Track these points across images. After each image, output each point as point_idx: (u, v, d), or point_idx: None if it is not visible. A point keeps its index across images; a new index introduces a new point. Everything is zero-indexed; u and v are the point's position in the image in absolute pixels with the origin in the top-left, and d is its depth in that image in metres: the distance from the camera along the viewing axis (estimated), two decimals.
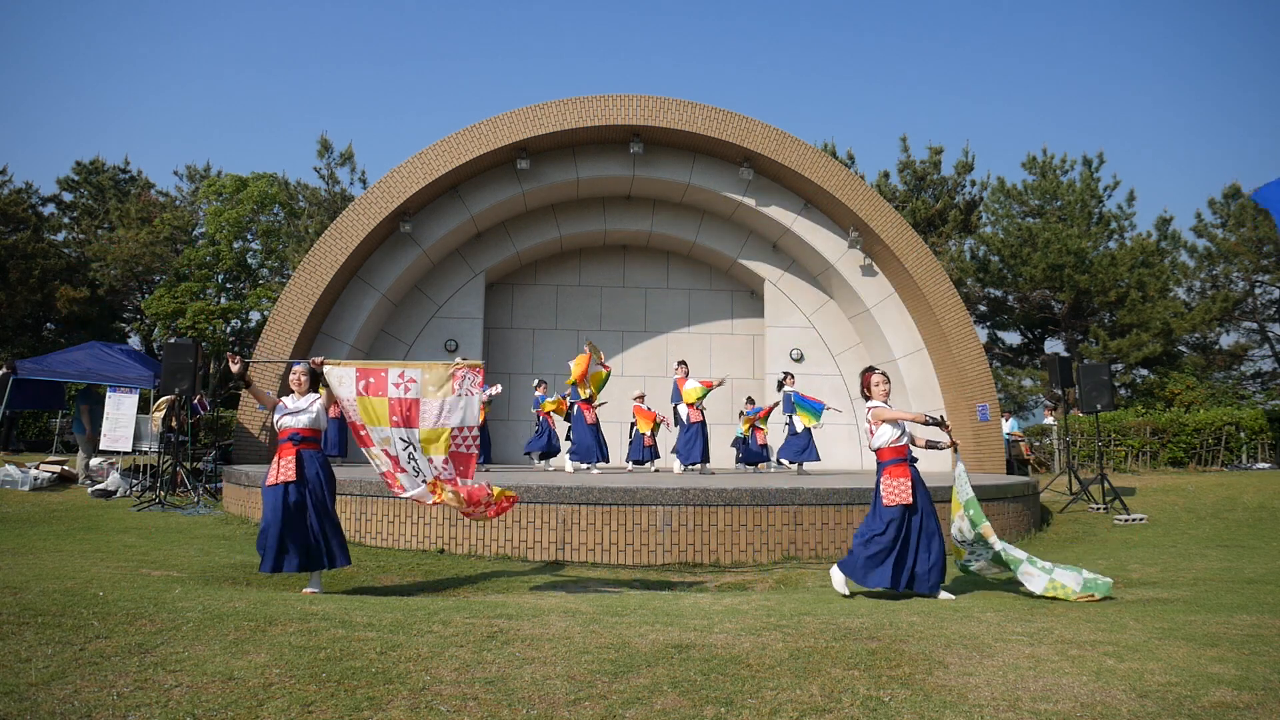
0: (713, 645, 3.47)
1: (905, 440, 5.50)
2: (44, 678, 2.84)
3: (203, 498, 10.21)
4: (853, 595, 5.35)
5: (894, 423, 5.46)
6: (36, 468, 11.11)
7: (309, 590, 5.24)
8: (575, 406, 11.10)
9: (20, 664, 2.97)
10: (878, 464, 5.53)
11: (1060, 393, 13.06)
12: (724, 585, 6.29)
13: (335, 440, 11.42)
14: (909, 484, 5.34)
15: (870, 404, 5.55)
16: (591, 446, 10.87)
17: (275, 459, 5.42)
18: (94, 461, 11.60)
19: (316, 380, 5.66)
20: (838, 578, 5.43)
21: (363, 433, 5.30)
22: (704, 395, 11.36)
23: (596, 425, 11.06)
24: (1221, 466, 13.64)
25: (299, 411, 5.51)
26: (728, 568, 7.06)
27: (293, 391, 5.65)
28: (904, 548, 5.26)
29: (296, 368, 5.64)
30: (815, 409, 11.60)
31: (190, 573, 5.76)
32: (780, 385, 12.10)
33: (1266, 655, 3.38)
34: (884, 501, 5.37)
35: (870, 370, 5.67)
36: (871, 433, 5.55)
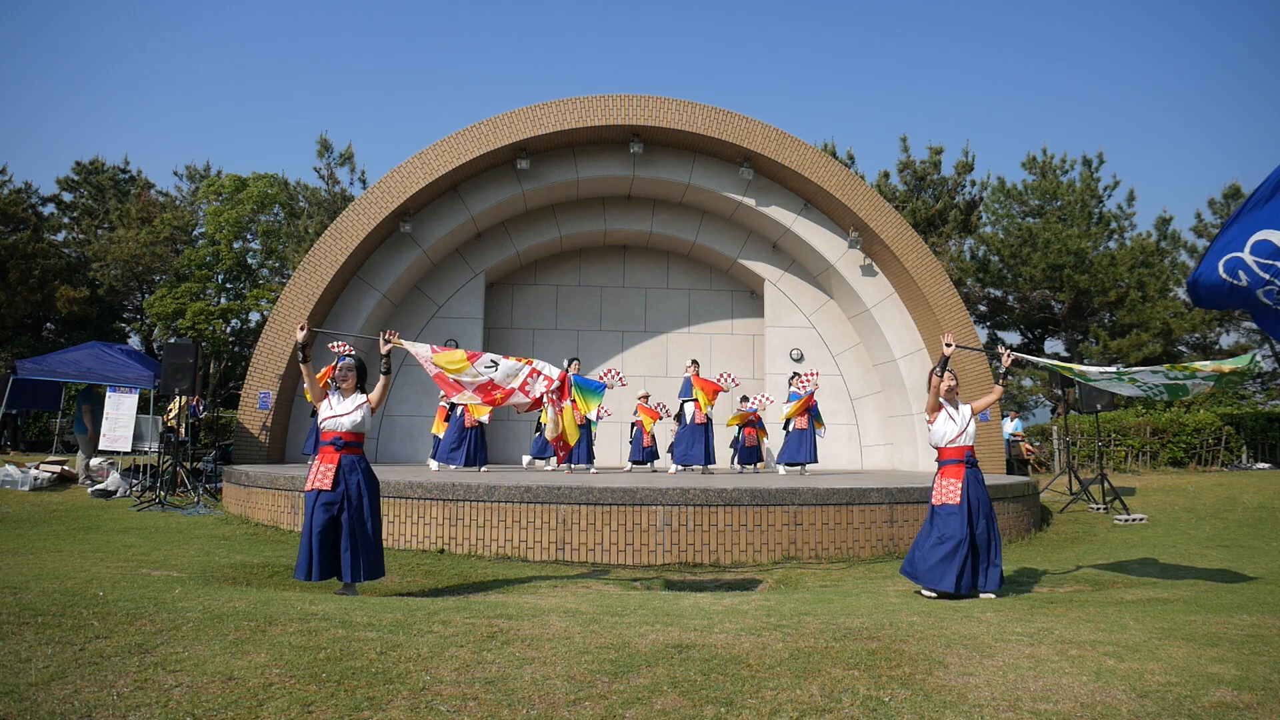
0: (713, 645, 3.47)
1: (962, 440, 5.45)
2: (44, 678, 2.84)
3: (203, 498, 10.21)
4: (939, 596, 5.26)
5: (942, 412, 5.45)
6: (36, 468, 11.11)
7: (339, 593, 5.13)
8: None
9: (20, 664, 2.96)
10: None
11: (1060, 393, 13.06)
12: (724, 585, 6.29)
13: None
14: (959, 486, 5.34)
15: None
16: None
17: (316, 462, 5.26)
18: (94, 461, 11.59)
19: (364, 378, 5.44)
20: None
21: (450, 379, 5.67)
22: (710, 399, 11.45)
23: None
24: (1221, 466, 13.64)
25: (343, 414, 5.27)
26: (728, 568, 7.06)
27: (339, 388, 5.38)
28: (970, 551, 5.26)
29: (343, 363, 5.39)
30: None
31: (190, 573, 5.76)
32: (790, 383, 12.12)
33: (1266, 655, 3.38)
34: (934, 500, 5.39)
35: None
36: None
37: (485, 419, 10.73)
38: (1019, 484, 9.51)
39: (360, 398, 5.34)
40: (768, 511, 7.35)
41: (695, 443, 11.37)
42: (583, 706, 2.75)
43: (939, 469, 5.51)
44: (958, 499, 5.32)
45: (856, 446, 14.33)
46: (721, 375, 12.07)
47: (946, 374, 5.51)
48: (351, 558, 5.15)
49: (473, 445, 10.70)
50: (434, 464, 10.84)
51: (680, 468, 11.51)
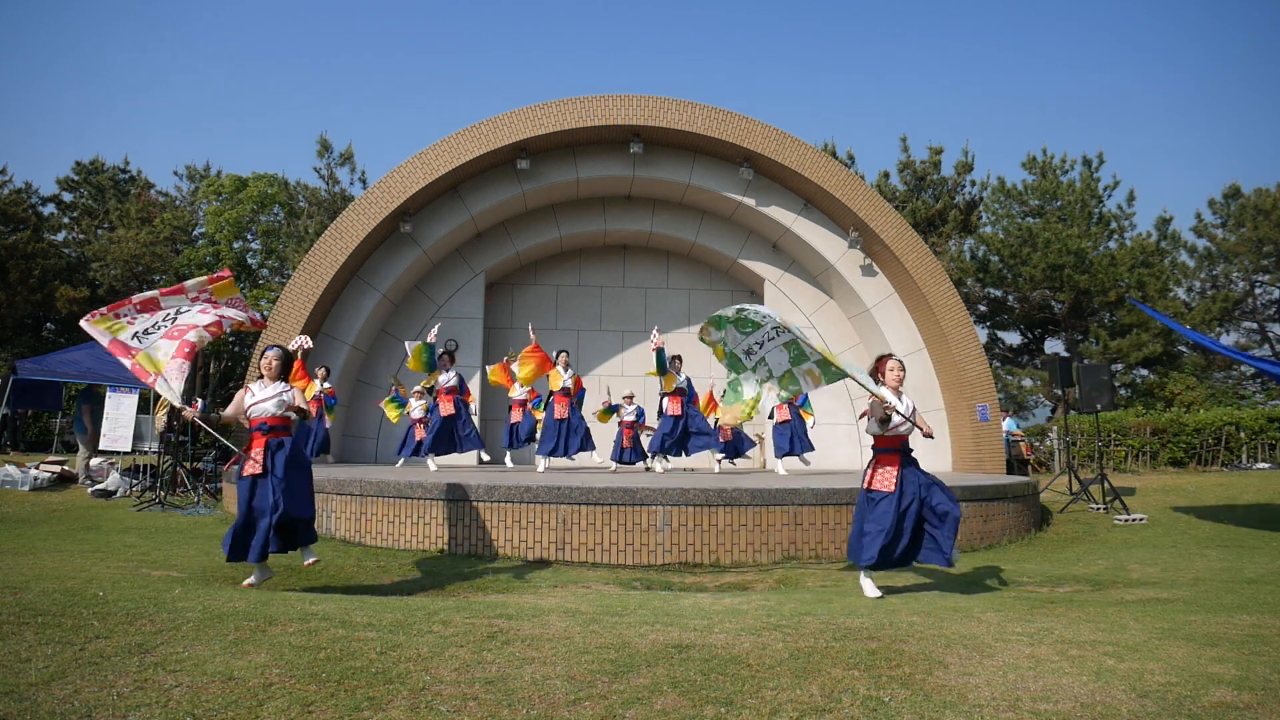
0: (713, 645, 3.47)
1: (902, 430, 5.49)
2: (44, 678, 2.84)
3: (203, 498, 10.21)
4: (883, 596, 5.32)
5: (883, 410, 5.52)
6: (36, 467, 11.11)
7: (248, 583, 5.29)
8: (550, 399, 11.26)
9: (20, 664, 2.96)
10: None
11: (1060, 393, 13.06)
12: (724, 585, 6.29)
13: (322, 439, 11.41)
14: (894, 474, 5.44)
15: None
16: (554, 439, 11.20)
17: (247, 450, 5.38)
18: (94, 461, 11.60)
19: (288, 367, 5.56)
20: (865, 583, 5.42)
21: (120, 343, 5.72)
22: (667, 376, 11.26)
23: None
24: (1221, 466, 13.64)
25: (266, 399, 5.40)
26: (728, 568, 7.05)
27: (262, 376, 5.51)
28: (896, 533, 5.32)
29: (269, 352, 5.49)
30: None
31: (190, 573, 5.76)
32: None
33: (1266, 655, 3.38)
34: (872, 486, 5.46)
35: (885, 357, 5.70)
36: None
37: (412, 413, 10.98)
38: (1019, 484, 9.50)
39: (283, 385, 5.47)
40: (768, 511, 7.35)
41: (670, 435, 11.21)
42: (583, 706, 2.75)
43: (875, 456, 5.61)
44: (892, 487, 5.40)
45: (856, 446, 14.33)
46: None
47: (895, 363, 5.74)
48: (293, 525, 5.29)
49: (433, 435, 10.83)
50: (431, 464, 10.87)
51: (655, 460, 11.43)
